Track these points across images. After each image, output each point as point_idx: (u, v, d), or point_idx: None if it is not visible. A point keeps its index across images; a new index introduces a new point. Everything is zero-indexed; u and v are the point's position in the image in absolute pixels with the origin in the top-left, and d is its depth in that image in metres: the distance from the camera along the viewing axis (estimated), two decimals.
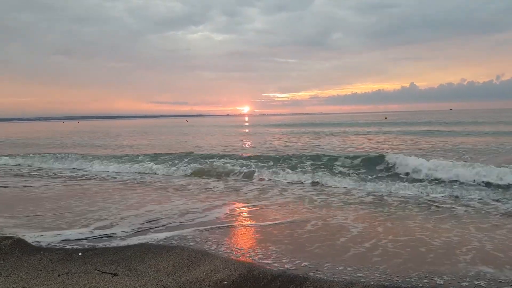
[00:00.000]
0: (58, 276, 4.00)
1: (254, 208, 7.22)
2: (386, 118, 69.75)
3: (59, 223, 6.23)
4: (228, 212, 6.91)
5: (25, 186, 10.12)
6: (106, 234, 5.60)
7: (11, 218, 6.57)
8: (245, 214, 6.85)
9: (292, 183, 9.96)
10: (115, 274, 4.04)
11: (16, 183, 10.71)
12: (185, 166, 12.69)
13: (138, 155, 15.56)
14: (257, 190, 9.12)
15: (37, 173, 12.89)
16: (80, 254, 4.72)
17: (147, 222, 6.25)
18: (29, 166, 15.01)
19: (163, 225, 6.04)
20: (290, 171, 11.01)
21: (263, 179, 10.63)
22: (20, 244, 5.10)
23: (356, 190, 8.82)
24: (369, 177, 10.07)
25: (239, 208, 7.32)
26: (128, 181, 10.98)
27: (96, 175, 12.20)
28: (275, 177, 10.67)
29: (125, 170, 13.00)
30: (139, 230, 5.80)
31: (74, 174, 12.53)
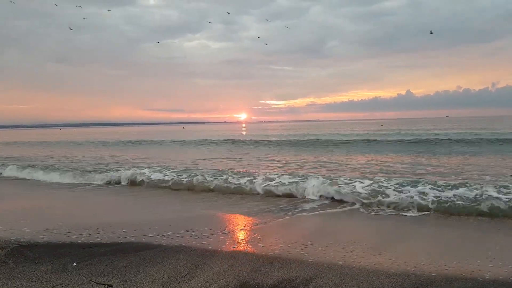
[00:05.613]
0: (52, 287, 3.97)
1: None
2: (382, 125, 70.19)
3: None
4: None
5: None
6: None
7: None
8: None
9: None
10: (109, 286, 4.00)
11: None
12: None
13: None
14: None
15: None
16: (74, 264, 4.68)
17: None
18: None
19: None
20: None
21: None
22: (14, 254, 5.05)
23: None
24: None
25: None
26: None
27: None
28: None
29: None
30: None
31: None
